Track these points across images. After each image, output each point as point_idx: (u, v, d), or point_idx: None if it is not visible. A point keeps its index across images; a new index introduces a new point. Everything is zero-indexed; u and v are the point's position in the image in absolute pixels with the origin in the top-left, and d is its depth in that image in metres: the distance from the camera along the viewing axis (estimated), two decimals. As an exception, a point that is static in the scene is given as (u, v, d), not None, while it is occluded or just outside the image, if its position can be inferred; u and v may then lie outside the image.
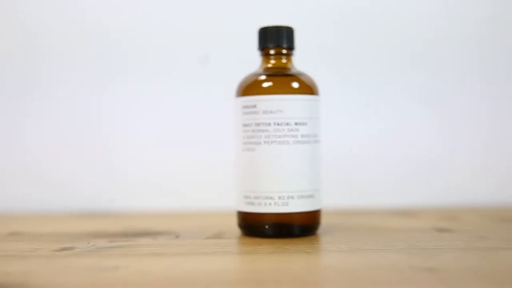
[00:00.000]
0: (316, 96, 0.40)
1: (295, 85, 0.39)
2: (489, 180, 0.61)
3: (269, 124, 0.38)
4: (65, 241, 0.39)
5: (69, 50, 0.61)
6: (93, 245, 0.37)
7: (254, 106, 0.39)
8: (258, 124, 0.38)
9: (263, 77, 0.40)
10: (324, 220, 0.42)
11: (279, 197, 0.38)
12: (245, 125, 0.39)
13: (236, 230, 0.42)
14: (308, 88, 0.40)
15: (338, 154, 0.59)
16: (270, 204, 0.38)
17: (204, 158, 0.60)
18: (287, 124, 0.38)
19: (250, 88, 0.40)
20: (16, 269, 0.31)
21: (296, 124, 0.38)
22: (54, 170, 0.60)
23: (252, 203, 0.39)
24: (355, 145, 0.61)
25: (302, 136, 0.39)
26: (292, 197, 0.38)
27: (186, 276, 0.28)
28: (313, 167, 0.39)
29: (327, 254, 0.35)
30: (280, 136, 0.38)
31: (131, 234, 0.42)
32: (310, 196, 0.39)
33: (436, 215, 0.51)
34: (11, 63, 0.61)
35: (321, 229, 0.42)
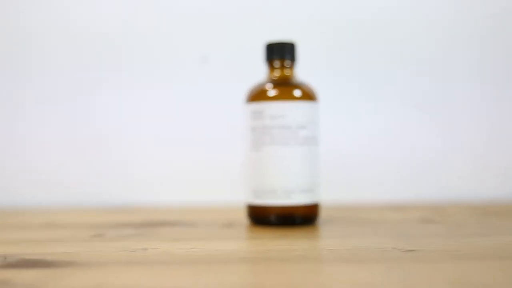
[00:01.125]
0: (315, 102, 0.46)
1: (297, 93, 0.45)
2: (483, 177, 0.66)
3: (274, 128, 0.44)
4: (96, 230, 0.45)
5: (75, 50, 0.66)
6: (121, 232, 0.43)
7: (261, 112, 0.44)
8: (264, 128, 0.44)
9: (269, 86, 0.45)
10: (323, 213, 0.48)
11: (283, 191, 0.44)
12: (253, 129, 0.45)
13: (244, 221, 0.48)
14: (308, 96, 0.45)
15: (339, 153, 0.65)
16: (275, 197, 0.44)
17: (214, 158, 0.65)
18: (290, 127, 0.44)
19: (257, 96, 0.45)
20: (62, 250, 0.36)
21: (297, 127, 0.44)
22: (69, 170, 0.66)
23: (259, 197, 0.44)
24: (356, 144, 0.66)
25: (302, 138, 0.44)
26: (294, 192, 0.44)
27: (205, 255, 0.34)
28: (313, 165, 0.45)
29: (324, 239, 0.40)
30: (283, 138, 0.44)
31: (152, 224, 0.48)
32: (310, 191, 0.44)
33: (425, 209, 0.56)
34: (10, 63, 0.66)
35: (320, 220, 0.47)
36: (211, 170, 0.65)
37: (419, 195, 0.65)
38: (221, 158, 0.64)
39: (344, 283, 0.27)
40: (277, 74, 0.47)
